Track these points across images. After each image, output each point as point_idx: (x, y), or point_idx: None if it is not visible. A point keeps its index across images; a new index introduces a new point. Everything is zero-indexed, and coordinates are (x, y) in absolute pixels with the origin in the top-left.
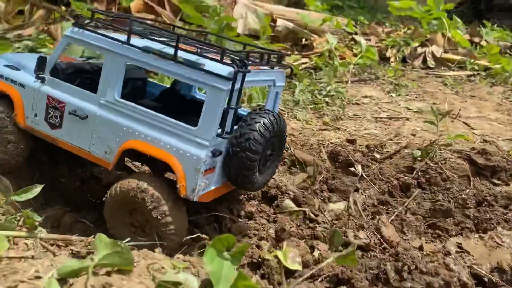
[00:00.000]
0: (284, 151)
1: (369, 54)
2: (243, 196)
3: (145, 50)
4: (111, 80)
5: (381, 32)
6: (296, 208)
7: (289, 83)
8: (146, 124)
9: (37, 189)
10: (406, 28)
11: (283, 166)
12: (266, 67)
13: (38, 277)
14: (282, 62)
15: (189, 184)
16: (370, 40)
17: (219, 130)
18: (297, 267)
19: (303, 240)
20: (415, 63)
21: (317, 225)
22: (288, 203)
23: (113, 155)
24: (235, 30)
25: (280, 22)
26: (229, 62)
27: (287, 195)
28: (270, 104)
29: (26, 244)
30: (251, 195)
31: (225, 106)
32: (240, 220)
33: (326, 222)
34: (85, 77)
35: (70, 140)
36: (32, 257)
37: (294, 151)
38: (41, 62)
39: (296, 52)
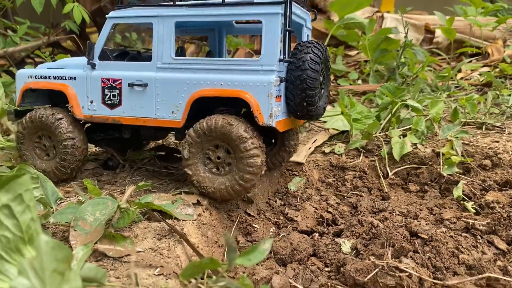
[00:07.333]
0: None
1: None
2: None
3: (193, 4)
4: (165, 42)
5: None
6: None
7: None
8: (210, 71)
9: (267, 246)
10: None
11: None
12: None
13: None
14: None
15: (265, 111)
16: None
17: (281, 56)
18: None
19: None
20: None
21: None
22: None
23: (181, 112)
24: (397, 43)
25: (439, 32)
26: None
27: None
28: None
29: None
30: None
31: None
32: None
33: None
34: (131, 57)
35: (133, 114)
36: None
37: None
38: (90, 48)
39: (474, 60)
